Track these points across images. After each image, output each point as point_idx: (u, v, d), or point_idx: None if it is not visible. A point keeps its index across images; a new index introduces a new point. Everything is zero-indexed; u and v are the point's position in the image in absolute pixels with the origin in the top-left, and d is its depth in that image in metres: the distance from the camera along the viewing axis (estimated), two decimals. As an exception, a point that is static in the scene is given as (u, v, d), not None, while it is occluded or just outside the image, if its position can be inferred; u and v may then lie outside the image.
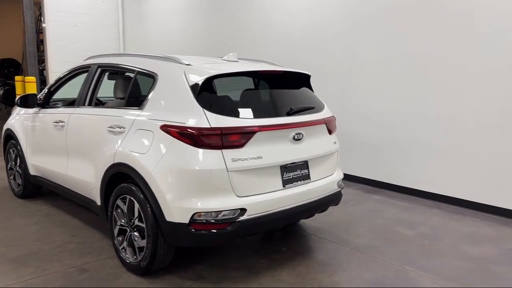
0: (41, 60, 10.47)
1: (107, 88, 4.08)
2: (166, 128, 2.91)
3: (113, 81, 3.85)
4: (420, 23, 5.08)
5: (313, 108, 3.46)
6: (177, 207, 2.81)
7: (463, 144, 4.85)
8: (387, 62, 5.46)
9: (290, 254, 3.64)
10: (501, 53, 4.44)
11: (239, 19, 7.60)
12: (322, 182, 3.44)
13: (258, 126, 2.94)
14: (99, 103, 4.27)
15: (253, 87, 3.72)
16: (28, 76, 8.04)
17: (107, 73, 4.07)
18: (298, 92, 3.65)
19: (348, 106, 5.98)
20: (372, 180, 5.87)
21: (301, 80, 3.73)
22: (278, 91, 3.56)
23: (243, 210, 2.86)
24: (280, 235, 4.06)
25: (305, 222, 4.35)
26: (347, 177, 6.02)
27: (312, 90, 3.78)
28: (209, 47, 8.23)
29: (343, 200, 5.08)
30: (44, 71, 9.97)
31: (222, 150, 2.81)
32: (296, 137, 3.15)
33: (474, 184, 4.82)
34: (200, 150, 2.79)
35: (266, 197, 2.98)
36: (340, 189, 3.66)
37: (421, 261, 3.53)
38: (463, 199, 4.93)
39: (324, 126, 3.48)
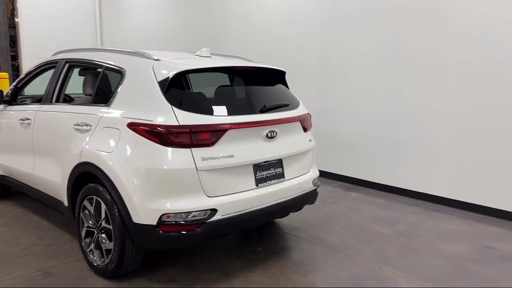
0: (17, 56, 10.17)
1: (79, 85, 3.93)
2: (133, 126, 2.80)
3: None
4: (400, 20, 5.05)
5: (287, 105, 3.38)
6: (144, 208, 2.70)
7: (439, 140, 4.85)
8: (366, 59, 5.43)
9: (265, 254, 3.56)
10: (479, 49, 4.44)
11: (216, 13, 7.48)
12: (297, 180, 3.37)
13: (230, 124, 2.84)
14: (68, 100, 4.12)
15: (228, 83, 3.62)
16: (0, 72, 7.78)
17: (76, 69, 3.93)
18: (273, 89, 3.57)
19: (327, 103, 5.93)
20: (350, 177, 5.84)
21: (276, 77, 3.65)
22: (252, 87, 3.47)
23: (213, 211, 2.77)
24: (256, 234, 3.99)
25: (282, 221, 4.28)
26: (326, 175, 6.00)
27: (287, 87, 3.71)
28: (188, 42, 8.08)
29: (320, 198, 5.06)
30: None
31: (192, 148, 2.71)
32: (269, 135, 3.07)
33: (451, 181, 4.82)
34: (168, 149, 2.69)
35: (238, 197, 2.90)
36: (315, 187, 3.60)
37: (398, 259, 3.49)
38: (441, 196, 4.93)
39: (298, 124, 3.41)
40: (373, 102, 5.42)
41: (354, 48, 5.52)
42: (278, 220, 4.26)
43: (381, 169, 5.47)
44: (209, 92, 3.33)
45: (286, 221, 4.28)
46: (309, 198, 3.54)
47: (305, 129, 3.49)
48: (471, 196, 4.68)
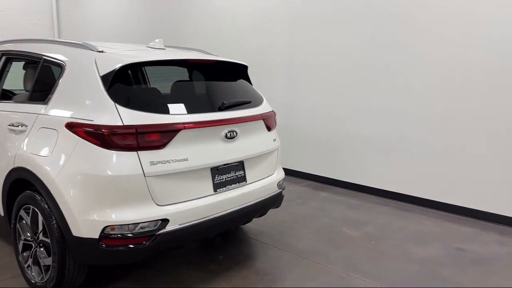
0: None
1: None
2: (71, 127, 2.46)
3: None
4: (365, 17, 4.86)
5: (249, 102, 3.11)
6: (85, 220, 2.38)
7: (409, 138, 4.70)
8: (334, 55, 5.22)
9: (227, 263, 3.30)
10: (449, 46, 4.30)
11: (181, 4, 7.11)
12: (261, 183, 3.11)
13: (183, 123, 2.55)
14: (7, 97, 3.70)
15: (186, 79, 3.31)
16: None
17: (16, 62, 3.53)
18: (234, 84, 3.30)
19: (295, 100, 5.71)
20: (320, 176, 5.64)
21: (238, 72, 3.37)
22: (211, 83, 3.19)
23: (164, 221, 2.47)
24: (218, 241, 3.71)
25: (247, 226, 4.02)
26: (295, 174, 5.78)
27: (250, 83, 3.44)
28: (152, 36, 7.66)
29: (288, 200, 4.86)
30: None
31: (138, 151, 2.40)
32: (228, 135, 2.79)
33: (421, 179, 4.69)
34: (111, 153, 2.37)
35: (194, 205, 2.61)
36: (281, 190, 3.35)
37: (366, 265, 3.30)
38: (410, 195, 4.80)
39: (261, 122, 3.15)
40: (342, 99, 5.22)
41: (322, 44, 5.30)
42: (243, 225, 4.00)
43: (350, 168, 5.30)
44: (164, 88, 3.02)
45: (252, 226, 4.02)
46: (274, 201, 3.30)
47: (269, 128, 3.24)
48: (441, 195, 4.56)
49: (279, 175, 3.37)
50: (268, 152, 3.20)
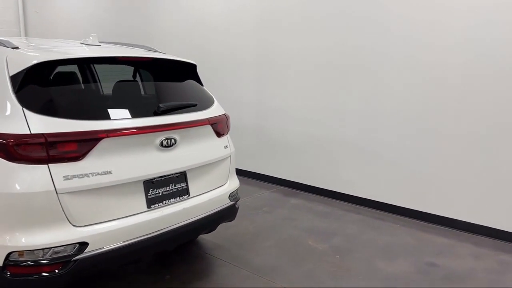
0: None
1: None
2: (-29, 136, 2.10)
3: None
4: (339, 17, 4.55)
5: (194, 105, 2.78)
6: (-16, 246, 2.03)
7: (383, 142, 4.41)
8: (306, 56, 4.90)
9: (175, 283, 2.97)
10: (424, 46, 4.01)
11: (148, 4, 6.74)
12: (208, 196, 2.78)
13: (105, 131, 2.21)
14: None
15: (125, 79, 2.97)
16: None
17: None
18: (180, 85, 2.97)
19: (265, 101, 5.39)
20: (291, 182, 5.33)
21: (186, 72, 3.04)
22: (151, 84, 2.88)
23: (83, 245, 2.14)
24: (167, 256, 3.37)
25: (203, 238, 3.69)
26: (265, 179, 5.48)
27: (200, 83, 3.10)
28: (120, 32, 7.29)
29: (254, 208, 4.54)
30: None
31: (49, 164, 2.06)
32: (165, 143, 2.46)
33: (394, 185, 4.40)
34: (16, 166, 2.02)
35: (120, 224, 2.28)
36: (233, 202, 3.02)
37: (328, 283, 3.00)
38: (384, 202, 4.51)
39: (209, 128, 2.82)
40: (314, 101, 4.92)
41: (294, 43, 4.98)
42: (200, 237, 3.67)
43: (322, 173, 4.99)
44: (98, 91, 2.67)
45: (209, 239, 3.70)
46: (225, 215, 2.98)
47: (218, 134, 2.91)
48: (416, 203, 4.28)
49: (232, 185, 3.05)
50: (217, 160, 2.88)
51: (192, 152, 2.67)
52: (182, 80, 2.99)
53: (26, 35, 9.06)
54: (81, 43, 2.86)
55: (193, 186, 2.68)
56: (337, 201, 4.84)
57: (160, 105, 2.50)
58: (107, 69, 3.15)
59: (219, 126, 2.91)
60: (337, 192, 4.90)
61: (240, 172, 5.84)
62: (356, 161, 4.66)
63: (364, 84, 4.46)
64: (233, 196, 3.02)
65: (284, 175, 5.39)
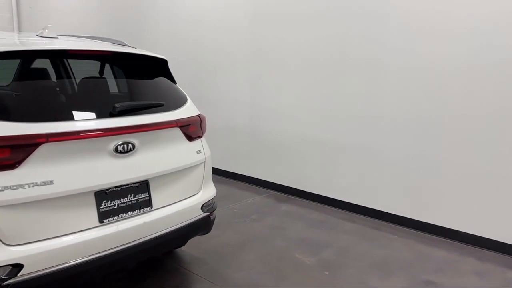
0: None
1: None
2: None
3: None
4: (337, 11, 4.22)
5: (161, 105, 2.48)
6: None
7: (381, 146, 4.08)
8: (301, 53, 4.58)
9: (142, 303, 2.67)
10: (417, 47, 3.67)
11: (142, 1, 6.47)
12: (176, 208, 2.48)
13: (45, 135, 1.92)
14: None
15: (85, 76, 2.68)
16: None
17: None
18: (148, 83, 2.67)
19: (260, 100, 5.07)
20: (285, 186, 5.02)
21: (156, 68, 2.74)
22: (115, 81, 2.55)
23: (17, 267, 1.85)
24: (139, 271, 3.07)
25: (182, 250, 3.40)
26: (258, 183, 5.18)
27: (173, 81, 2.80)
28: (111, 29, 7.02)
29: (242, 215, 4.24)
30: None
31: (-25, 174, 1.77)
32: (120, 148, 2.16)
33: (393, 193, 4.07)
34: None
35: (65, 242, 1.99)
36: (207, 213, 2.72)
37: (312, 306, 2.69)
38: (381, 211, 4.18)
39: (177, 130, 2.52)
40: (309, 101, 4.60)
41: (288, 41, 4.66)
42: (178, 249, 3.38)
43: (317, 178, 4.67)
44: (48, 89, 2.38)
45: (187, 251, 3.41)
46: (197, 229, 2.67)
47: (190, 137, 2.60)
48: (415, 212, 3.94)
49: (207, 194, 2.74)
50: (188, 167, 2.58)
51: (156, 158, 2.37)
52: (152, 77, 2.69)
53: (19, 30, 8.85)
54: (37, 35, 2.58)
55: (157, 196, 2.38)
56: (333, 209, 4.53)
57: (116, 105, 2.20)
58: (82, 65, 2.89)
59: (190, 129, 2.61)
60: (332, 198, 4.58)
61: (232, 176, 5.57)
62: (353, 166, 4.33)
63: (362, 84, 4.13)
64: (207, 206, 2.72)
65: (278, 179, 5.07)
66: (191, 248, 3.42)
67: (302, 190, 4.85)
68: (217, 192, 4.68)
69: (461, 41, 3.46)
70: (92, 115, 2.15)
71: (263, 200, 4.79)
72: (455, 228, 3.70)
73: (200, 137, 2.73)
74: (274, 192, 5.08)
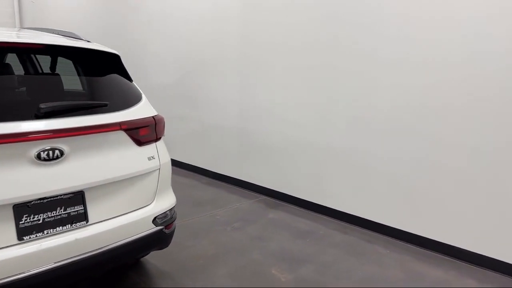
0: None
1: None
2: None
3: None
4: (329, 8, 3.88)
5: (104, 105, 2.19)
6: None
7: (375, 153, 3.72)
8: (293, 52, 4.25)
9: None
10: (414, 44, 3.30)
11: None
12: (119, 221, 2.20)
13: None
14: None
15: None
16: None
17: None
18: (96, 81, 2.39)
19: (249, 100, 4.76)
20: (276, 191, 4.70)
21: (109, 64, 2.46)
22: (60, 79, 2.28)
23: None
24: (92, 284, 2.81)
25: (147, 261, 3.13)
26: (251, 187, 4.88)
27: (128, 78, 2.51)
28: (111, 23, 6.81)
29: (223, 223, 3.95)
30: None
31: None
32: (44, 155, 1.89)
33: (387, 203, 3.71)
34: None
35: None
36: (161, 227, 2.42)
37: (277, 334, 2.37)
38: (375, 222, 3.83)
39: (122, 134, 2.23)
40: (300, 100, 4.26)
41: (278, 40, 4.33)
42: (144, 259, 3.12)
43: (309, 184, 4.34)
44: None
45: (154, 262, 3.14)
46: (147, 244, 2.39)
47: (139, 142, 2.31)
48: (411, 224, 3.58)
49: (161, 206, 2.45)
50: (136, 175, 2.29)
51: (94, 166, 2.09)
52: (102, 74, 2.41)
53: (21, 26, 8.74)
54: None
55: (95, 209, 2.10)
56: (323, 217, 4.19)
57: (41, 106, 1.92)
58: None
59: (141, 132, 2.31)
60: (324, 206, 4.24)
61: (223, 178, 5.27)
62: (346, 172, 3.98)
63: (356, 85, 3.77)
64: (162, 219, 2.43)
65: (269, 183, 4.76)
66: (158, 259, 3.15)
67: (293, 196, 4.52)
68: (203, 196, 4.43)
69: (459, 46, 3.07)
70: (13, 116, 1.88)
71: (250, 206, 4.48)
72: (454, 244, 3.33)
73: (155, 141, 2.43)
74: (264, 197, 4.76)
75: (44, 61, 2.81)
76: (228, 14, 4.80)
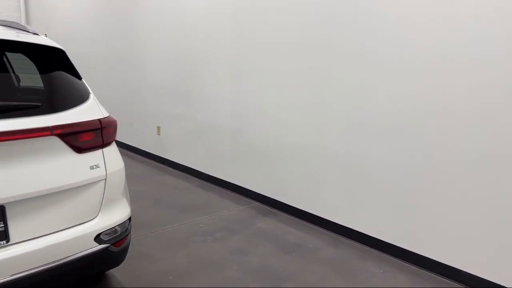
0: None
1: None
2: None
3: None
4: (322, 12, 3.52)
5: (35, 106, 1.92)
6: None
7: (373, 160, 3.35)
8: (287, 50, 3.90)
9: None
10: (412, 46, 2.91)
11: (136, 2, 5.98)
12: (49, 240, 1.92)
13: None
14: None
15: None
16: None
17: None
18: (41, 79, 2.11)
19: (242, 99, 4.45)
20: (268, 198, 4.37)
21: (53, 60, 2.18)
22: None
23: None
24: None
25: (112, 275, 2.86)
26: (244, 192, 4.59)
27: (76, 75, 2.23)
28: (116, 22, 6.60)
29: (205, 232, 3.66)
30: None
31: None
32: None
33: (384, 216, 3.34)
34: None
35: None
36: (106, 246, 2.14)
37: None
38: (369, 236, 3.47)
39: (56, 140, 1.95)
40: (294, 103, 3.92)
41: (273, 40, 4.00)
42: (108, 273, 2.85)
43: (302, 191, 4.00)
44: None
45: (120, 277, 2.86)
46: (90, 265, 2.10)
47: (78, 149, 2.03)
48: (409, 241, 3.20)
49: (108, 221, 2.16)
50: (74, 187, 2.00)
51: (18, 177, 1.81)
52: (45, 72, 2.14)
53: (27, 20, 8.66)
54: None
55: (19, 227, 1.83)
56: (316, 228, 3.85)
57: None
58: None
59: (81, 138, 2.03)
60: (317, 216, 3.89)
61: (216, 182, 4.97)
62: (341, 180, 3.63)
63: (352, 88, 3.40)
64: (108, 235, 2.14)
65: (261, 189, 4.44)
66: (124, 274, 2.88)
67: (286, 204, 4.19)
68: (192, 201, 4.12)
69: (458, 49, 2.67)
70: None
71: (240, 213, 4.17)
72: (454, 266, 2.94)
73: (101, 147, 2.15)
74: (257, 203, 4.45)
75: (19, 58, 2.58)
76: (223, 12, 4.49)
